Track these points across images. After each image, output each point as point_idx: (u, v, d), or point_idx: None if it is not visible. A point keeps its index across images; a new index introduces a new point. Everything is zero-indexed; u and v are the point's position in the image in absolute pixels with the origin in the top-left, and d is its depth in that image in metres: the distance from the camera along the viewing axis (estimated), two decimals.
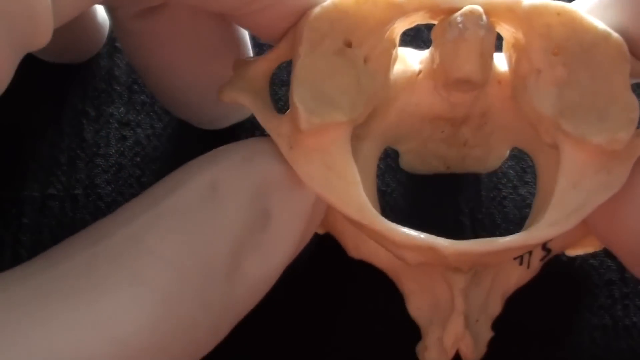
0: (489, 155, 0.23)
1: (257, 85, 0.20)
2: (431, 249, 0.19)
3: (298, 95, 0.19)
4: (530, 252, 0.22)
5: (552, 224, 0.19)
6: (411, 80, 0.21)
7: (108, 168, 0.26)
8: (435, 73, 0.21)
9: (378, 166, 0.23)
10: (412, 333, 0.22)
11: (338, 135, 0.19)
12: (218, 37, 0.22)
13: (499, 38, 0.21)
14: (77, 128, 0.26)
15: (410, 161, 0.24)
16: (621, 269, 0.24)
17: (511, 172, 0.24)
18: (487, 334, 0.22)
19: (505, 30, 0.20)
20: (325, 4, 0.19)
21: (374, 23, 0.19)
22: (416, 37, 0.27)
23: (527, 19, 0.19)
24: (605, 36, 0.19)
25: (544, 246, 0.22)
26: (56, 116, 0.26)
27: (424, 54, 0.22)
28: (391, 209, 0.25)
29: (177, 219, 0.17)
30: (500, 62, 0.22)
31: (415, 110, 0.22)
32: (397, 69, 0.21)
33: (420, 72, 0.21)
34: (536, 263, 0.22)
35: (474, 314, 0.22)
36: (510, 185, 0.25)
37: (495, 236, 0.25)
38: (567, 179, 0.19)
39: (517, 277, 0.22)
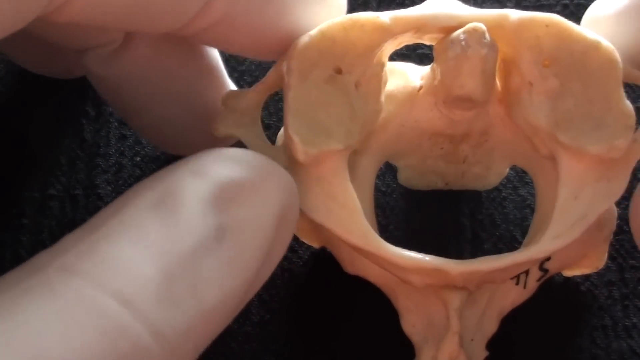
0: (488, 173, 0.23)
1: (249, 118, 0.21)
2: (438, 271, 0.19)
3: (293, 127, 0.19)
4: (527, 273, 0.22)
5: (556, 236, 0.19)
6: (411, 96, 0.21)
7: (108, 168, 0.26)
8: (436, 89, 0.21)
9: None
10: (405, 351, 0.22)
11: (336, 163, 0.19)
12: (188, 70, 0.22)
13: None
14: (77, 128, 0.26)
15: (408, 177, 0.24)
16: (621, 269, 0.24)
17: (511, 172, 0.24)
18: (481, 353, 0.22)
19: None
20: (312, 33, 0.19)
21: (362, 48, 0.19)
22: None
23: (515, 32, 0.19)
24: (595, 45, 0.19)
25: (541, 266, 0.22)
26: (56, 116, 0.26)
27: (425, 69, 0.22)
28: (391, 209, 0.25)
29: (118, 244, 0.15)
30: None
31: (414, 126, 0.22)
32: (398, 84, 0.21)
33: (421, 87, 0.21)
34: (533, 283, 0.22)
35: (468, 333, 0.22)
36: (511, 185, 0.25)
37: (495, 236, 0.25)
38: (567, 190, 0.19)
39: (513, 297, 0.22)
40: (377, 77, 0.20)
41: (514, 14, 0.19)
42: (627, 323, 0.24)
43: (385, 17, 0.19)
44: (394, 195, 0.25)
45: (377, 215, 0.22)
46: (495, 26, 0.19)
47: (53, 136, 0.26)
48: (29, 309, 0.14)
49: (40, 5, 0.16)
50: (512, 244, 0.25)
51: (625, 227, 0.25)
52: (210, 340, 0.16)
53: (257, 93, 0.20)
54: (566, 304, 0.24)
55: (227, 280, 0.16)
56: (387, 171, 0.25)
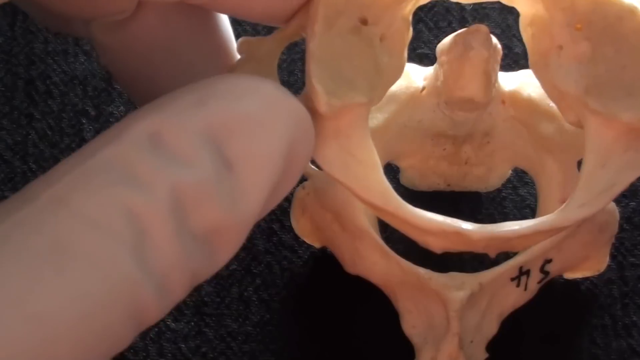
0: (490, 174, 0.23)
1: (266, 66, 0.20)
2: (458, 234, 0.19)
3: (317, 76, 0.18)
4: (527, 275, 0.22)
5: (582, 205, 0.18)
6: (414, 97, 0.21)
7: None
8: (438, 90, 0.21)
9: None
10: (405, 352, 0.22)
11: (357, 118, 0.18)
12: (197, 45, 0.21)
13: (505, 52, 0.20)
14: (77, 128, 0.26)
15: (410, 177, 0.24)
16: (621, 267, 0.24)
17: (511, 172, 0.24)
18: (481, 355, 0.22)
19: (524, 5, 0.19)
20: None
21: (389, 0, 0.18)
22: (416, 39, 0.27)
23: None
24: (631, 9, 0.18)
25: (542, 269, 0.22)
26: (56, 116, 0.26)
27: (428, 70, 0.21)
28: None
29: (108, 174, 0.14)
30: (504, 81, 0.22)
31: (417, 127, 0.22)
32: (400, 84, 0.21)
33: (424, 88, 0.21)
34: (533, 285, 0.22)
35: (468, 335, 0.22)
36: (510, 185, 0.25)
37: None
38: (594, 158, 0.18)
39: (513, 299, 0.22)
40: (402, 32, 0.19)
41: None
42: (627, 322, 0.24)
43: None
44: None
45: (377, 217, 0.22)
46: None
47: (53, 136, 0.26)
48: (22, 244, 0.14)
49: None
50: None
51: (625, 225, 0.25)
52: (212, 270, 0.16)
53: (276, 41, 0.19)
54: (566, 303, 0.24)
55: (226, 215, 0.15)
56: (387, 171, 0.25)
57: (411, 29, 0.19)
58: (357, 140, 0.18)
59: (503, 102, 0.21)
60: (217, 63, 0.21)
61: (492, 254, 0.20)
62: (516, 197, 0.25)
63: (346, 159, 0.18)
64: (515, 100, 0.22)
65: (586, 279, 0.24)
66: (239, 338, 0.24)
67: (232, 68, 0.20)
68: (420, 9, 0.27)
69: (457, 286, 0.21)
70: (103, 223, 0.14)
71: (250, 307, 0.24)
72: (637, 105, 0.18)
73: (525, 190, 0.25)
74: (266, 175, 0.16)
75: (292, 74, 0.26)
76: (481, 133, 0.22)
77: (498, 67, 0.20)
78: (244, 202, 0.15)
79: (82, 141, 0.26)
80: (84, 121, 0.26)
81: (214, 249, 0.15)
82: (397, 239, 0.23)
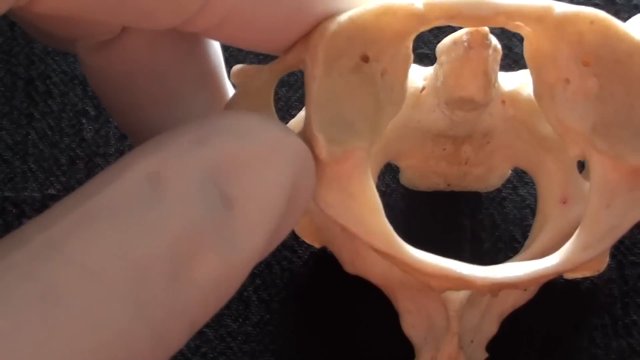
0: (490, 174, 0.23)
1: (263, 100, 0.19)
2: (461, 280, 0.18)
3: (317, 124, 0.17)
4: None
5: (586, 247, 0.18)
6: (414, 97, 0.21)
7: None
8: (438, 91, 0.21)
9: None
10: (405, 352, 0.22)
11: (358, 161, 0.18)
12: (184, 70, 0.20)
13: (506, 52, 0.20)
14: (77, 128, 0.26)
15: (410, 177, 0.24)
16: (621, 266, 0.24)
17: (511, 172, 0.24)
18: (481, 355, 0.22)
19: (529, 33, 0.19)
20: (341, 20, 0.18)
21: (392, 35, 0.18)
22: (416, 39, 0.27)
23: (557, 26, 0.18)
24: None
25: None
26: (56, 116, 0.26)
27: (428, 70, 0.21)
28: (391, 209, 0.25)
29: (106, 219, 0.14)
30: (504, 81, 0.22)
31: (417, 127, 0.22)
32: None
33: (423, 88, 0.21)
34: (533, 286, 0.22)
35: (468, 335, 0.22)
36: (510, 185, 0.25)
37: (495, 236, 0.25)
38: (599, 198, 0.18)
39: (513, 299, 0.22)
40: (405, 61, 0.19)
41: (558, 7, 0.18)
42: (626, 321, 0.24)
43: (419, 3, 0.18)
44: (394, 196, 0.25)
45: None
46: (536, 19, 0.18)
47: (53, 136, 0.26)
48: (11, 290, 0.13)
49: None
50: (512, 244, 0.25)
51: None
52: (208, 316, 0.15)
53: (272, 72, 0.19)
54: (566, 303, 0.24)
55: (227, 257, 0.15)
56: (387, 171, 0.25)
57: (412, 57, 0.19)
58: (358, 183, 0.18)
59: (503, 102, 0.21)
60: (205, 89, 0.20)
61: (495, 294, 0.19)
62: (516, 197, 0.25)
63: (347, 201, 0.18)
64: (515, 100, 0.22)
65: (586, 278, 0.24)
66: (239, 338, 0.24)
67: (229, 104, 0.19)
68: None
69: None
70: (98, 271, 0.13)
71: (250, 307, 0.24)
72: None
73: (525, 190, 0.25)
74: (268, 216, 0.15)
75: (293, 74, 0.26)
76: (481, 133, 0.22)
77: (498, 67, 0.20)
78: (245, 245, 0.15)
79: (82, 141, 0.26)
80: (83, 121, 0.26)
81: (212, 295, 0.15)
82: (398, 223, 0.24)
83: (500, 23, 0.18)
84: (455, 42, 0.19)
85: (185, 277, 0.14)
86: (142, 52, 0.19)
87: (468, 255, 0.24)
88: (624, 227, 0.18)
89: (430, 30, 0.27)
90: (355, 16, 0.18)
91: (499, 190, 0.25)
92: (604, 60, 0.18)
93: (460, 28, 0.20)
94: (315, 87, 0.18)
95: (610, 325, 0.24)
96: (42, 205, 0.25)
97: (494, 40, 0.20)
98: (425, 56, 0.27)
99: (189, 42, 0.20)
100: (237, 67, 0.19)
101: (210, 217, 0.14)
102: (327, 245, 0.23)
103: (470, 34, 0.19)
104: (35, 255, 0.13)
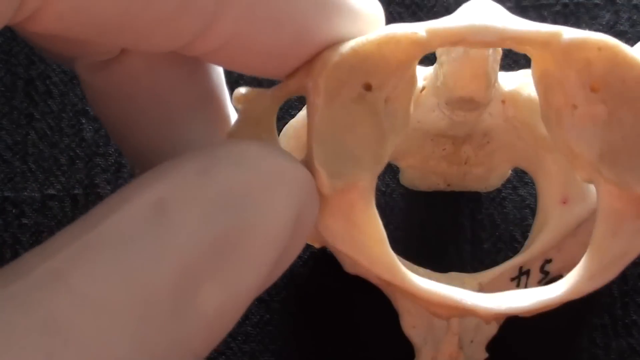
0: (490, 174, 0.23)
1: (265, 127, 0.19)
2: (465, 309, 0.18)
3: (319, 156, 0.17)
4: (527, 275, 0.22)
5: (592, 276, 0.18)
6: (414, 97, 0.21)
7: (107, 167, 0.26)
8: (438, 90, 0.20)
9: None
10: (405, 352, 0.22)
11: (361, 192, 0.18)
12: (184, 92, 0.20)
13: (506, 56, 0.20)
14: (77, 128, 0.26)
15: (410, 177, 0.23)
16: None
17: (511, 172, 0.24)
18: (481, 355, 0.22)
19: (536, 56, 0.18)
20: (343, 50, 0.17)
21: (395, 63, 0.18)
22: None
23: (565, 52, 0.17)
24: None
25: (542, 269, 0.22)
26: (56, 116, 0.26)
27: (428, 70, 0.21)
28: (391, 209, 0.25)
29: (110, 248, 0.14)
30: (504, 80, 0.21)
31: (417, 127, 0.22)
32: None
33: (423, 88, 0.21)
34: (533, 286, 0.22)
35: (468, 335, 0.22)
36: (510, 185, 0.25)
37: (495, 236, 0.25)
38: (606, 226, 0.18)
39: None
40: (409, 88, 0.19)
41: (567, 33, 0.17)
42: (626, 321, 0.24)
43: (422, 29, 0.17)
44: (394, 195, 0.25)
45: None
46: (542, 45, 0.17)
47: (53, 136, 0.26)
48: (11, 321, 0.13)
49: (6, 13, 0.14)
50: (512, 244, 0.25)
51: None
52: (211, 347, 0.15)
53: (274, 99, 0.19)
54: (566, 303, 0.24)
55: (232, 287, 0.15)
56: (387, 171, 0.25)
57: (417, 80, 0.19)
58: (362, 213, 0.18)
59: (503, 102, 0.21)
60: (206, 111, 0.20)
61: (499, 322, 0.19)
62: (516, 197, 0.25)
63: (351, 231, 0.18)
64: (515, 100, 0.22)
65: None
66: (239, 338, 0.24)
67: (231, 133, 0.19)
68: (420, 9, 0.27)
69: (457, 286, 0.21)
70: (101, 302, 0.13)
71: (250, 307, 0.24)
72: None
73: (525, 190, 0.25)
74: (272, 246, 0.15)
75: None
76: (481, 133, 0.22)
77: (498, 67, 0.20)
78: (249, 276, 0.15)
79: (82, 141, 0.26)
80: (83, 121, 0.26)
81: (215, 326, 0.15)
82: (397, 239, 0.23)
83: (506, 47, 0.18)
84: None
85: (189, 308, 0.14)
86: (141, 73, 0.19)
87: (468, 255, 0.24)
88: (630, 256, 0.18)
89: None
90: (358, 46, 0.17)
91: (499, 190, 0.25)
92: (612, 87, 0.17)
93: None
94: (317, 119, 0.17)
95: (610, 325, 0.24)
96: (42, 205, 0.25)
97: None
98: (425, 56, 0.27)
99: (190, 64, 0.19)
100: (238, 92, 0.19)
101: (215, 247, 0.14)
102: (327, 246, 0.23)
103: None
104: (37, 285, 0.13)
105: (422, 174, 0.23)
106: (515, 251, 0.24)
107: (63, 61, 0.21)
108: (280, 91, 0.18)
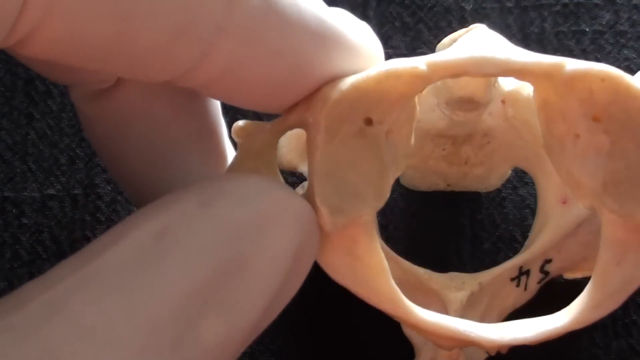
0: (490, 174, 0.23)
1: (266, 161, 0.19)
2: (468, 341, 0.18)
3: (320, 195, 0.17)
4: (527, 275, 0.22)
5: (596, 305, 0.18)
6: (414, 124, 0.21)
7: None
8: (438, 91, 0.21)
9: None
10: (405, 351, 0.22)
11: (363, 226, 0.18)
12: (180, 124, 0.19)
13: None
14: (77, 128, 0.26)
15: (410, 177, 0.23)
16: None
17: (511, 172, 0.24)
18: (481, 355, 0.22)
19: (537, 85, 0.18)
20: (344, 88, 0.17)
21: (396, 97, 0.17)
22: (416, 39, 0.27)
23: (567, 83, 0.17)
24: None
25: (542, 269, 0.22)
26: (56, 116, 0.26)
27: None
28: (391, 209, 0.25)
29: (110, 280, 0.14)
30: (503, 81, 0.21)
31: (417, 127, 0.21)
32: None
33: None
34: (533, 285, 0.22)
35: None
36: (510, 186, 0.25)
37: (495, 236, 0.25)
38: (610, 255, 0.18)
39: (513, 299, 0.22)
40: (410, 120, 0.18)
41: (569, 65, 0.17)
42: (626, 321, 0.24)
43: (422, 63, 0.17)
44: (394, 195, 0.25)
45: (377, 215, 0.22)
46: (544, 75, 0.17)
47: (53, 136, 0.26)
48: (8, 354, 0.13)
49: None
50: (512, 244, 0.25)
51: None
52: None
53: (273, 133, 0.18)
54: (566, 303, 0.24)
55: (233, 318, 0.15)
56: None
57: (418, 110, 0.19)
58: (364, 246, 0.18)
59: (503, 102, 0.21)
60: (202, 143, 0.20)
61: (504, 351, 0.19)
62: (516, 197, 0.25)
63: (353, 264, 0.18)
64: (515, 100, 0.22)
65: (586, 278, 0.24)
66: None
67: (231, 167, 0.19)
68: (420, 9, 0.27)
69: (457, 286, 0.21)
70: (101, 333, 0.13)
71: None
72: None
73: (525, 190, 0.25)
74: (273, 279, 0.15)
75: None
76: (481, 133, 0.22)
77: None
78: (250, 307, 0.15)
79: (81, 141, 0.26)
80: None
81: (217, 358, 0.14)
82: (397, 239, 0.23)
83: (509, 76, 0.18)
84: (455, 42, 0.19)
85: (190, 340, 0.14)
86: (137, 103, 0.19)
87: (468, 255, 0.24)
88: (634, 285, 0.18)
89: (430, 30, 0.27)
90: (357, 83, 0.17)
91: (499, 191, 0.25)
92: (615, 117, 0.17)
93: (459, 28, 0.20)
94: (317, 156, 0.17)
95: (610, 325, 0.24)
96: (42, 205, 0.25)
97: None
98: None
99: (186, 95, 0.19)
100: (237, 125, 0.19)
101: (216, 278, 0.14)
102: None
103: (469, 31, 0.19)
104: (34, 317, 0.13)
105: (422, 174, 0.23)
106: (515, 251, 0.24)
107: (60, 82, 0.21)
108: (279, 125, 0.18)
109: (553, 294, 0.24)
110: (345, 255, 0.18)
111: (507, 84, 0.22)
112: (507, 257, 0.24)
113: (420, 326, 0.18)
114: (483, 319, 0.22)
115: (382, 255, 0.18)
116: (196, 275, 0.14)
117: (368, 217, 0.18)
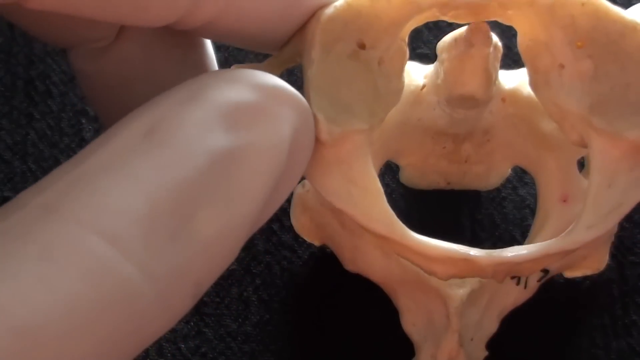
0: (490, 173, 0.23)
1: None
2: (465, 261, 0.18)
3: (316, 104, 0.17)
4: None
5: (590, 226, 0.18)
6: (414, 95, 0.21)
7: None
8: (439, 88, 0.21)
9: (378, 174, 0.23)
10: (405, 348, 0.22)
11: (357, 145, 0.18)
12: (178, 76, 0.19)
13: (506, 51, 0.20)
14: (77, 128, 0.26)
15: (410, 176, 0.23)
16: (620, 266, 0.24)
17: (511, 172, 0.24)
18: (481, 353, 0.22)
19: (522, 24, 0.19)
20: (337, 3, 0.18)
21: (387, 22, 0.18)
22: (416, 39, 0.27)
23: (549, 10, 0.18)
24: (633, 26, 0.18)
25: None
26: (56, 116, 0.26)
27: (428, 68, 0.21)
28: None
29: (102, 177, 0.13)
30: (504, 78, 0.22)
31: (417, 125, 0.22)
32: None
33: (424, 86, 0.21)
34: (533, 284, 0.22)
35: (468, 333, 0.22)
36: (510, 185, 0.25)
37: (495, 236, 0.25)
38: (601, 178, 0.18)
39: (514, 297, 0.22)
40: (400, 54, 0.19)
41: None
42: (626, 321, 0.24)
43: None
44: (394, 196, 0.25)
45: None
46: (526, 3, 0.18)
47: (53, 136, 0.26)
48: (7, 250, 0.13)
49: None
50: (512, 244, 0.24)
51: (624, 223, 0.25)
52: (213, 278, 0.15)
53: (270, 68, 0.19)
54: (566, 303, 0.24)
55: (230, 210, 0.14)
56: (387, 171, 0.25)
57: (407, 52, 0.19)
58: (359, 168, 0.18)
59: (503, 100, 0.21)
60: None
61: (500, 280, 0.19)
62: (516, 197, 0.25)
63: (349, 187, 0.18)
64: (516, 98, 0.22)
65: (586, 278, 0.24)
66: (239, 338, 0.24)
67: None
68: None
69: (458, 284, 0.21)
70: (96, 227, 0.13)
71: (250, 307, 0.24)
72: None
73: (525, 190, 0.25)
74: (269, 169, 0.15)
75: (292, 74, 0.26)
76: (481, 131, 0.22)
77: (498, 65, 0.20)
78: (246, 199, 0.15)
79: (82, 141, 0.26)
80: (83, 121, 0.26)
81: (214, 253, 0.14)
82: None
83: (493, 13, 0.18)
84: (456, 40, 0.19)
85: (187, 232, 0.14)
86: (136, 58, 0.19)
87: None
88: (626, 207, 0.18)
89: (430, 30, 0.27)
90: (352, 0, 0.18)
91: (498, 190, 0.25)
92: (597, 41, 0.18)
93: (459, 26, 0.20)
94: (313, 70, 0.18)
95: (610, 325, 0.24)
96: None
97: (495, 38, 0.20)
98: (425, 56, 0.27)
99: (183, 47, 0.20)
100: (234, 67, 0.19)
101: (210, 170, 0.14)
102: (327, 243, 0.23)
103: (471, 31, 0.19)
104: (30, 218, 0.13)
105: (422, 172, 0.23)
106: None
107: (59, 45, 0.20)
108: (275, 60, 0.19)
109: (553, 295, 0.24)
110: (340, 177, 0.18)
111: (507, 82, 0.22)
112: None
113: (415, 249, 0.18)
114: (483, 317, 0.22)
115: (377, 178, 0.18)
116: (188, 165, 0.14)
117: (362, 136, 0.18)
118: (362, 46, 0.18)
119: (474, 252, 0.18)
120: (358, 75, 0.18)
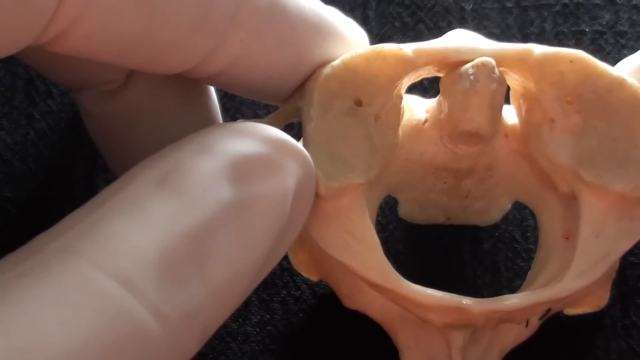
0: (490, 208, 0.23)
1: None
2: (458, 309, 0.19)
3: (315, 159, 0.18)
4: None
5: (579, 275, 0.19)
6: (416, 129, 0.21)
7: (107, 167, 0.26)
8: (442, 123, 0.20)
9: None
10: None
11: (355, 198, 0.19)
12: (184, 120, 0.20)
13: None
14: (77, 128, 0.26)
15: (409, 210, 0.23)
16: (620, 267, 0.24)
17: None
18: None
19: (514, 80, 0.20)
20: (335, 63, 0.19)
21: (383, 80, 0.19)
22: (416, 39, 0.27)
23: (539, 67, 0.19)
24: (620, 82, 0.19)
25: None
26: (56, 116, 0.26)
27: (430, 102, 0.21)
28: (391, 209, 0.25)
29: (117, 223, 0.14)
30: (507, 114, 0.21)
31: (419, 160, 0.22)
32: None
33: (426, 121, 0.21)
34: (535, 322, 0.22)
35: None
36: None
37: (495, 236, 0.25)
38: (589, 228, 0.19)
39: (515, 334, 0.22)
40: (396, 110, 0.20)
41: (538, 49, 0.19)
42: (626, 322, 0.24)
43: (408, 49, 0.19)
44: (392, 204, 0.25)
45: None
46: (517, 60, 0.19)
47: (53, 136, 0.26)
48: (25, 293, 0.13)
49: (33, 32, 0.14)
50: (512, 244, 0.25)
51: None
52: (219, 322, 0.15)
53: (273, 122, 0.19)
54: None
55: (238, 258, 0.15)
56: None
57: (404, 106, 0.20)
58: (356, 220, 0.19)
59: (506, 135, 0.21)
60: None
61: (493, 327, 0.20)
62: (516, 201, 0.25)
63: (346, 238, 0.19)
64: (518, 133, 0.21)
65: (587, 314, 0.24)
66: (239, 338, 0.24)
67: None
68: (420, 9, 0.27)
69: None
70: (111, 271, 0.14)
71: (250, 307, 0.24)
72: (628, 175, 0.19)
73: None
74: (276, 216, 0.16)
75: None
76: (483, 167, 0.22)
77: (503, 101, 0.20)
78: (255, 246, 0.15)
79: (81, 141, 0.26)
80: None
81: (223, 298, 0.15)
82: (397, 239, 0.23)
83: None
84: (460, 75, 0.19)
85: (198, 278, 0.14)
86: (144, 101, 0.20)
87: (468, 255, 0.24)
88: (614, 256, 0.19)
89: (430, 31, 0.27)
90: (348, 60, 0.19)
91: None
92: (585, 97, 0.19)
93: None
94: (312, 127, 0.19)
95: (610, 326, 0.24)
96: (41, 205, 0.25)
97: (499, 74, 0.20)
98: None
99: (190, 92, 0.20)
100: (240, 122, 0.19)
101: (220, 218, 0.15)
102: (325, 279, 0.22)
103: (476, 67, 0.19)
104: (48, 260, 0.14)
105: (421, 207, 0.23)
106: (515, 251, 0.24)
107: (69, 86, 0.21)
108: (276, 117, 0.20)
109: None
110: (337, 229, 0.19)
111: (510, 117, 0.21)
112: (507, 258, 0.24)
113: (410, 298, 0.19)
114: (485, 355, 0.21)
115: (373, 229, 0.19)
116: (200, 213, 0.15)
117: (359, 189, 0.19)
118: (358, 103, 0.19)
119: (466, 300, 0.19)
120: (355, 131, 0.19)
